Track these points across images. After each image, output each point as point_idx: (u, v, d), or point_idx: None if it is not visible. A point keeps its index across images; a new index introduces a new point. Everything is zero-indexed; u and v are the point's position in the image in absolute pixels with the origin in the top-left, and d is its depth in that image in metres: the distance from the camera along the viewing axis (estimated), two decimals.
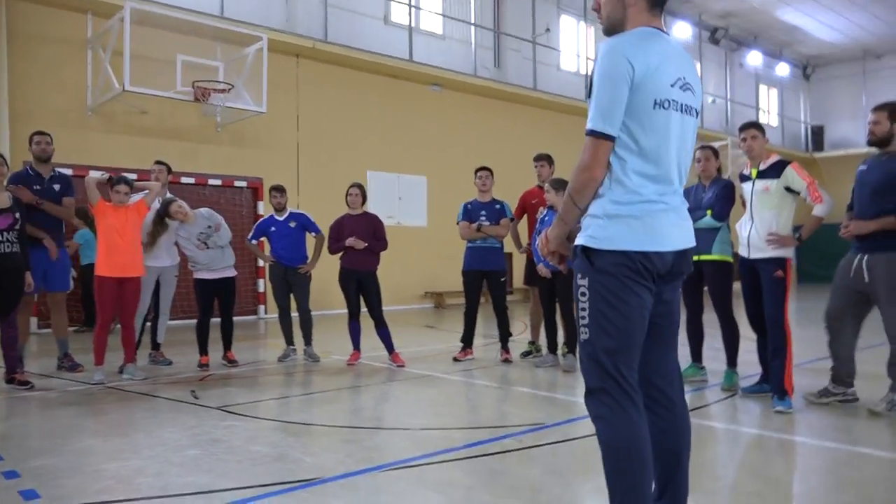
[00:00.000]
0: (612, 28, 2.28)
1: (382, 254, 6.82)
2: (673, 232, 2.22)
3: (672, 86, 2.18)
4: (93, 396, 5.27)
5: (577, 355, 6.42)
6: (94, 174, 5.85)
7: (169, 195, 6.68)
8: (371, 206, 11.54)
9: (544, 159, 6.98)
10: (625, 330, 2.18)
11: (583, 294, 2.22)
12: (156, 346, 6.76)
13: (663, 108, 2.16)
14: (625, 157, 2.18)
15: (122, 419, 4.57)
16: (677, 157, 2.25)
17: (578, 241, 2.25)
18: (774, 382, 4.67)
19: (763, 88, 24.43)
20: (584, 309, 2.22)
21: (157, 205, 6.53)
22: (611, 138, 2.15)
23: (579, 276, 2.24)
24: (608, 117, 2.13)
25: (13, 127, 9.20)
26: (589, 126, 2.16)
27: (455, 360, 6.88)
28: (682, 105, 2.22)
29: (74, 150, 9.91)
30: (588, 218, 2.24)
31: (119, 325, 6.05)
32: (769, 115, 24.69)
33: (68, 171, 9.91)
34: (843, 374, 4.72)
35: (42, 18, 9.86)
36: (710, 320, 5.55)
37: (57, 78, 9.97)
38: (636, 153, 2.17)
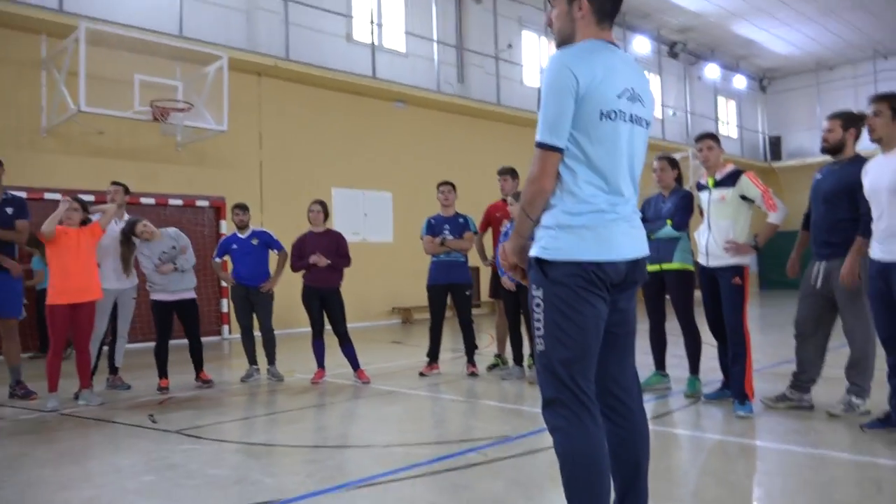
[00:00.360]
0: (563, 42, 2.30)
1: (349, 270, 6.77)
2: (625, 241, 2.23)
3: (619, 97, 2.20)
4: (46, 424, 5.10)
5: None
6: (62, 204, 5.67)
7: (133, 216, 6.58)
8: (336, 223, 11.51)
9: (507, 173, 7.01)
10: (580, 340, 2.17)
11: (538, 305, 2.22)
12: (114, 370, 6.59)
13: (610, 118, 2.18)
14: (574, 167, 2.19)
15: (75, 447, 4.42)
16: (628, 167, 2.26)
17: (532, 252, 2.25)
18: (735, 388, 4.72)
19: (721, 100, 24.95)
20: (539, 320, 2.22)
21: (115, 226, 6.41)
22: (558, 150, 2.17)
23: (534, 287, 2.24)
24: (555, 129, 2.15)
25: None
26: (537, 138, 2.18)
27: (421, 374, 6.83)
28: (630, 115, 2.23)
29: (29, 172, 9.68)
30: (541, 229, 2.24)
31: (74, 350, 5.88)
32: (728, 126, 25.21)
33: (22, 194, 9.69)
34: (803, 378, 4.78)
35: None
36: (673, 328, 5.60)
37: (9, 99, 9.75)
38: (585, 164, 2.19)
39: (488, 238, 7.28)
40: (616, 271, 2.21)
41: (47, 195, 9.56)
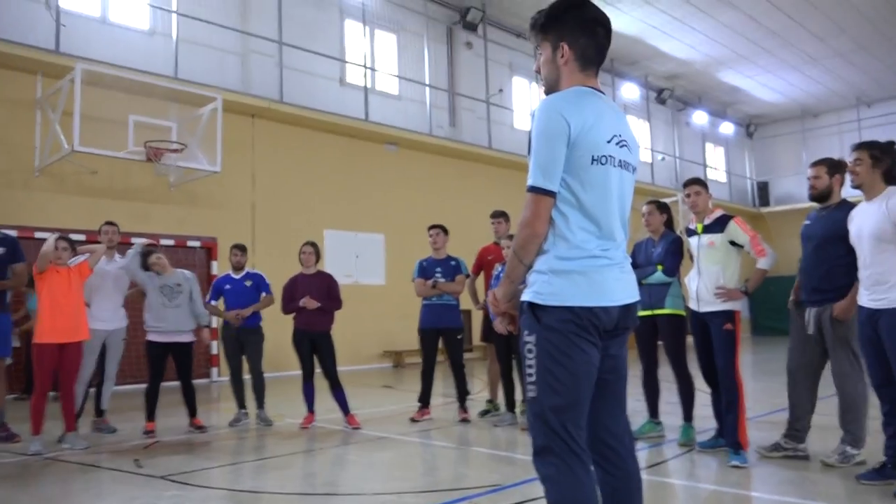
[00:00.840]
0: (550, 88, 2.35)
1: (341, 312, 6.73)
2: (617, 287, 2.24)
3: (608, 142, 2.23)
4: (28, 469, 4.99)
5: None
6: (48, 240, 5.64)
7: (149, 247, 6.65)
8: (328, 265, 11.48)
9: (501, 216, 7.08)
10: (571, 387, 2.16)
11: (529, 351, 2.21)
12: (100, 412, 6.48)
13: (601, 163, 2.21)
14: (567, 212, 2.20)
15: (57, 493, 4.32)
16: (619, 211, 2.28)
17: (525, 297, 2.24)
18: (729, 437, 4.69)
19: (710, 146, 25.33)
20: (530, 366, 2.20)
21: (105, 265, 6.37)
22: (551, 194, 2.18)
23: (526, 332, 2.23)
24: (547, 173, 2.17)
25: None
26: (529, 182, 2.19)
27: (412, 420, 6.75)
28: (619, 161, 2.26)
29: (21, 211, 9.66)
30: (534, 274, 2.24)
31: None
32: (717, 172, 25.55)
33: (13, 233, 9.65)
34: (798, 426, 4.75)
35: None
36: (666, 374, 5.57)
37: (3, 138, 9.77)
38: (577, 208, 2.20)
39: (480, 281, 7.29)
40: (609, 317, 2.21)
41: (38, 234, 9.51)
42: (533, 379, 2.20)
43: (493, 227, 7.11)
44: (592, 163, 2.19)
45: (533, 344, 2.20)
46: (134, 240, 10.31)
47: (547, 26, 2.33)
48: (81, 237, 8.84)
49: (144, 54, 11.22)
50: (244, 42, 12.69)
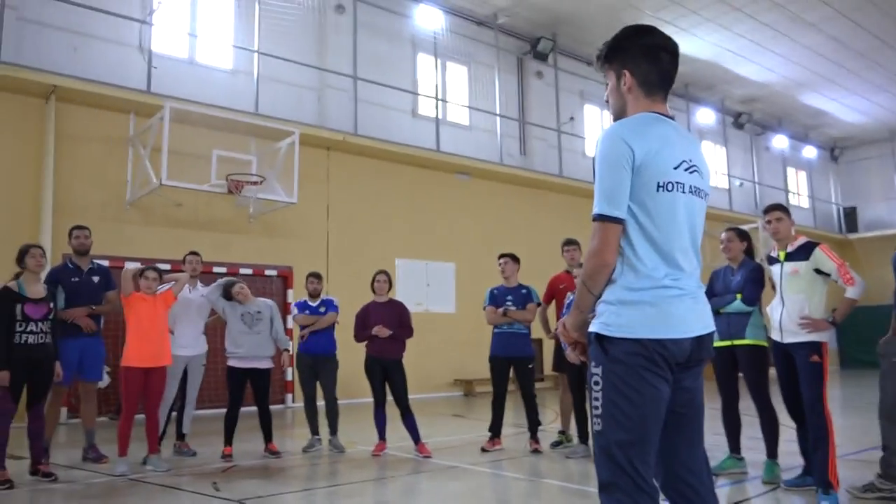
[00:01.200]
0: (617, 116, 2.33)
1: (412, 341, 6.77)
2: (689, 317, 2.17)
3: (676, 168, 2.19)
4: (115, 489, 5.21)
5: None
6: (129, 266, 5.99)
7: (231, 279, 6.89)
8: (399, 293, 11.60)
9: (573, 244, 7.05)
10: (638, 422, 2.09)
11: (596, 383, 2.17)
12: (181, 436, 6.71)
13: (667, 190, 2.16)
14: (634, 241, 2.16)
15: None
16: (690, 239, 2.23)
17: (592, 328, 2.21)
18: (818, 475, 4.43)
19: (791, 171, 24.43)
20: (597, 399, 2.16)
21: (188, 294, 6.64)
22: (618, 221, 2.14)
23: (593, 364, 2.19)
24: (612, 200, 2.13)
25: (56, 220, 9.54)
26: (596, 211, 2.16)
27: (483, 450, 6.69)
28: (689, 187, 2.22)
29: (113, 242, 10.20)
30: (602, 304, 2.21)
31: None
32: (799, 197, 24.58)
33: (105, 262, 10.20)
34: (894, 464, 4.47)
35: (88, 119, 10.38)
36: (747, 408, 5.34)
37: (99, 174, 10.40)
38: (644, 237, 2.16)
39: (552, 310, 7.21)
40: (680, 349, 2.14)
41: (129, 264, 10.00)
42: (599, 412, 2.15)
43: (566, 255, 7.06)
44: (658, 189, 2.15)
45: (599, 376, 2.15)
46: (216, 269, 10.77)
47: (610, 56, 2.33)
48: (167, 266, 9.25)
49: (228, 92, 11.78)
50: (321, 78, 13.14)
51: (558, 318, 7.01)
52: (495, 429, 6.79)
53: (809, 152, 24.13)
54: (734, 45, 16.90)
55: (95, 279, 6.37)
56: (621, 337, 2.12)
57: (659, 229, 2.16)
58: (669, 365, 2.13)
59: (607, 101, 2.41)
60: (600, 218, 2.15)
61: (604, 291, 2.20)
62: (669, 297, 2.14)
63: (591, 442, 6.26)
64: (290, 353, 6.63)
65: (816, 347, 4.55)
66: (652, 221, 2.15)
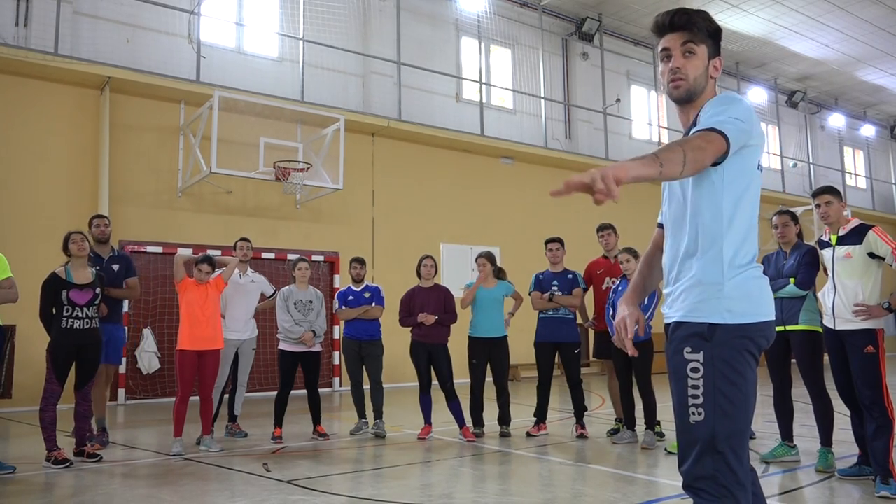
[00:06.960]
0: (690, 96, 2.18)
1: (456, 325, 6.80)
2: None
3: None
4: (171, 468, 5.38)
5: (656, 432, 6.14)
6: (182, 252, 6.12)
7: (298, 257, 6.99)
8: (444, 278, 11.64)
9: (609, 228, 6.97)
10: (744, 410, 2.01)
11: (694, 370, 2.02)
12: (233, 417, 6.90)
13: (759, 171, 2.13)
14: (746, 216, 2.09)
15: (196, 491, 4.63)
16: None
17: (699, 315, 2.06)
18: (878, 464, 4.30)
19: (848, 150, 23.58)
20: (696, 387, 2.02)
21: (238, 279, 6.79)
22: (726, 154, 1.96)
23: (688, 349, 2.04)
24: (737, 138, 1.98)
25: (112, 208, 9.84)
26: (720, 128, 1.94)
27: (528, 434, 6.70)
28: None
29: (165, 229, 10.50)
30: (699, 286, 2.08)
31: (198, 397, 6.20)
32: (856, 178, 23.73)
33: (158, 249, 10.50)
34: None
35: (140, 109, 10.66)
36: (800, 394, 5.22)
37: (152, 163, 10.68)
38: (750, 215, 2.11)
39: (588, 297, 7.07)
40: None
41: (181, 250, 10.28)
42: (700, 401, 2.01)
43: (601, 240, 7.00)
44: (759, 168, 2.12)
45: (699, 363, 2.02)
46: (264, 255, 10.97)
47: (715, 35, 2.19)
48: (217, 252, 9.47)
49: (274, 80, 11.94)
50: (365, 64, 13.20)
51: (595, 305, 6.95)
52: (541, 413, 6.79)
53: (867, 130, 23.27)
54: (787, 20, 16.34)
55: (115, 267, 6.47)
56: (729, 323, 2.02)
57: (753, 209, 2.12)
58: (761, 350, 2.08)
59: (679, 68, 2.16)
60: (719, 133, 1.93)
61: (697, 272, 2.08)
62: (759, 279, 2.09)
63: (654, 430, 6.13)
64: (320, 338, 6.69)
65: (871, 335, 4.41)
66: (746, 203, 2.09)
